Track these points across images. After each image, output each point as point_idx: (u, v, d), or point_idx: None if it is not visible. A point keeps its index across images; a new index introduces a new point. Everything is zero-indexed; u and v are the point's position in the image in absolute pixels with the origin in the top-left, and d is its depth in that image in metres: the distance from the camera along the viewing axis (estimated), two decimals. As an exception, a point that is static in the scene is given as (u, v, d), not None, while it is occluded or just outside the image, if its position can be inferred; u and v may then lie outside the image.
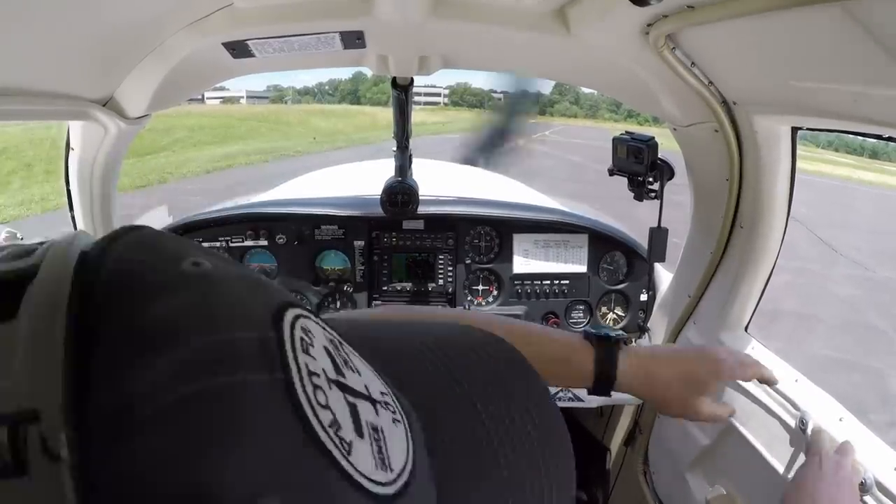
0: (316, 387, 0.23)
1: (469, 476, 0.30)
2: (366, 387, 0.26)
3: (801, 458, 0.90)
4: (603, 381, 0.71)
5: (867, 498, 0.78)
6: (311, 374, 0.23)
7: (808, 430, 0.88)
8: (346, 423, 0.23)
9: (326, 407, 0.22)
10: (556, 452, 0.33)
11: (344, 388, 0.24)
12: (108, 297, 0.22)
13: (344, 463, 0.21)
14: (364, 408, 0.25)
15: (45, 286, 0.21)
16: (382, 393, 0.27)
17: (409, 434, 0.27)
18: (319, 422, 0.22)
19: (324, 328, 0.27)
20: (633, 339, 1.61)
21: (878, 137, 0.73)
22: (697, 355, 0.76)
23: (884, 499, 0.77)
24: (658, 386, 0.73)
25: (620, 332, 0.74)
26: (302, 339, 0.24)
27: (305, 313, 0.26)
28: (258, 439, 0.20)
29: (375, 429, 0.24)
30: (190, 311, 0.22)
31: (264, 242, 1.61)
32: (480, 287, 1.69)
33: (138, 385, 0.19)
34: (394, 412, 0.26)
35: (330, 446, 0.21)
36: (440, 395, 0.32)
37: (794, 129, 0.94)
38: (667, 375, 0.73)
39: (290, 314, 0.25)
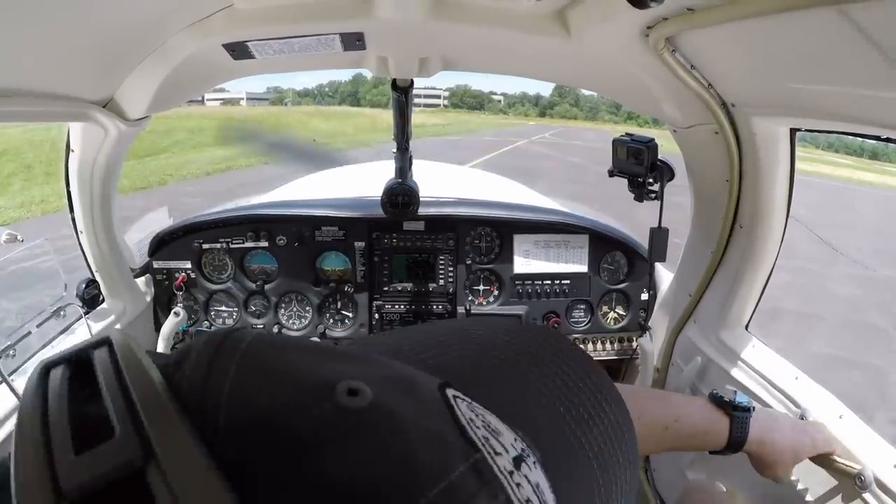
0: (517, 485, 0.22)
1: (569, 478, 0.31)
2: (512, 446, 0.25)
3: None
4: (733, 447, 0.76)
5: (866, 495, 0.78)
6: (510, 473, 0.22)
7: None
8: (536, 500, 0.23)
9: (528, 501, 0.22)
10: (627, 436, 0.35)
11: (518, 465, 0.24)
12: (256, 468, 0.18)
13: None
14: (528, 472, 0.24)
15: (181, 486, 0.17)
16: (515, 440, 0.26)
17: (544, 472, 0.26)
18: None
19: (462, 398, 0.26)
20: (637, 337, 1.61)
21: (876, 138, 0.74)
22: (806, 428, 0.84)
23: (882, 496, 0.77)
24: (773, 450, 0.78)
25: (746, 396, 0.79)
26: (477, 429, 0.23)
27: (447, 387, 0.25)
28: None
29: (538, 486, 0.24)
30: (385, 472, 0.19)
31: (265, 244, 1.61)
32: (481, 287, 1.70)
33: None
34: (533, 461, 0.26)
35: None
36: (541, 417, 0.32)
37: (793, 131, 0.95)
38: (782, 443, 0.79)
39: (451, 397, 0.24)
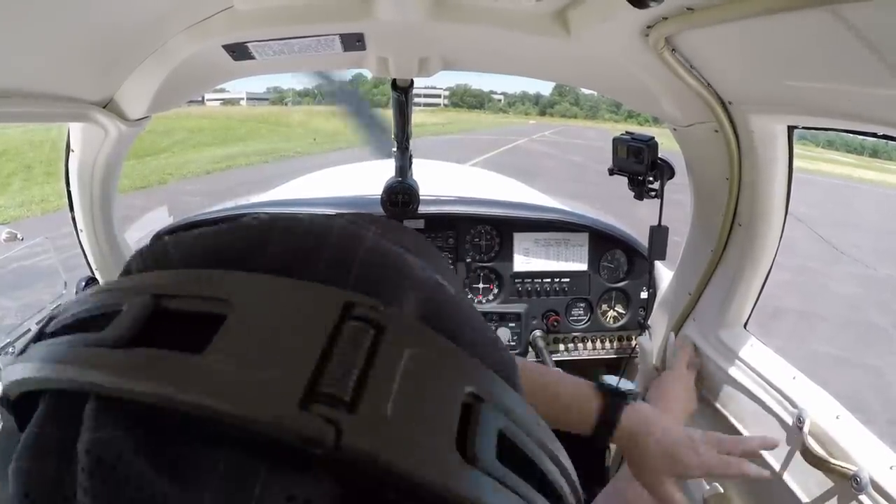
0: None
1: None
2: None
3: (798, 456, 0.90)
4: (601, 432, 0.74)
5: (862, 497, 0.78)
6: None
7: (805, 429, 0.89)
8: None
9: None
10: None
11: None
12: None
13: None
14: None
15: None
16: None
17: None
18: None
19: None
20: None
21: (873, 135, 0.74)
22: (691, 443, 0.76)
23: (878, 498, 0.77)
24: (642, 453, 0.74)
25: (634, 387, 0.79)
26: None
27: None
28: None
29: None
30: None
31: None
32: (481, 285, 1.70)
33: None
34: None
35: None
36: None
37: (790, 128, 0.95)
38: (654, 449, 0.74)
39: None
